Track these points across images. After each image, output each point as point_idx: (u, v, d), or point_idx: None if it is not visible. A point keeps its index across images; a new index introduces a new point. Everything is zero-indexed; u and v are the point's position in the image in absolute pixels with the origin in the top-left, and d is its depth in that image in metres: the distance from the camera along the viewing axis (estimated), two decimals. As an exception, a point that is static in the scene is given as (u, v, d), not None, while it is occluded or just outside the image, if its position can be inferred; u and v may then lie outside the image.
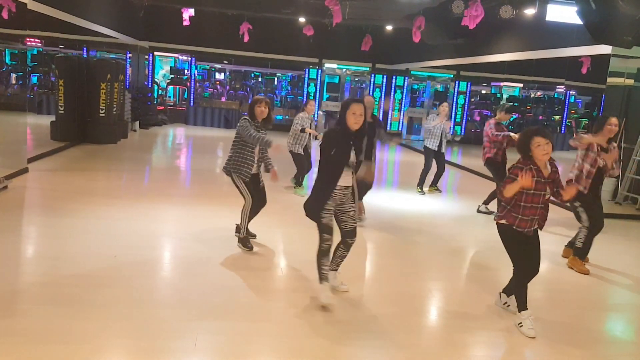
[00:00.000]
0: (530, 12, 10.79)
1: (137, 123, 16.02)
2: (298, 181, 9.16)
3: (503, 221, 4.41)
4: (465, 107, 19.16)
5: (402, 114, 20.35)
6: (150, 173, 10.68)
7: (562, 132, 16.98)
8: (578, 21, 8.34)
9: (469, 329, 4.42)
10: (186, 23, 16.13)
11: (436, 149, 9.63)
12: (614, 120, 5.93)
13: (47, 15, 9.93)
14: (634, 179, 10.06)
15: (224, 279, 4.99)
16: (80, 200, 7.40)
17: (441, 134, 9.58)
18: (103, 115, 12.63)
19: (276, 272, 5.41)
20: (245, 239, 5.82)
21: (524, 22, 11.26)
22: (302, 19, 16.36)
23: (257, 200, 5.81)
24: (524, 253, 4.43)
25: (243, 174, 5.63)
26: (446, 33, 13.35)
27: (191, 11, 16.01)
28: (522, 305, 4.44)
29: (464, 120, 19.24)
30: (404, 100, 20.34)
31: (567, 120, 16.59)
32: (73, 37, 16.00)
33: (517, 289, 4.52)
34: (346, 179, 4.47)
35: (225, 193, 8.70)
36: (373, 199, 8.76)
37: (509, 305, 4.74)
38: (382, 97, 20.25)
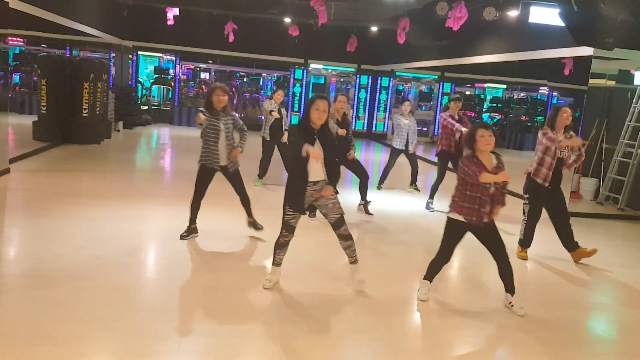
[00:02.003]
0: (513, 14, 10.88)
1: (120, 123, 15.88)
2: (260, 172, 9.49)
3: (452, 216, 4.61)
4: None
5: (387, 114, 20.42)
6: (134, 174, 10.61)
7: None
8: (560, 23, 8.42)
9: (454, 328, 4.45)
10: (170, 22, 16.02)
11: (403, 148, 9.59)
12: (566, 108, 6.11)
13: (30, 14, 9.81)
14: (615, 179, 10.19)
15: (208, 280, 4.97)
16: (63, 201, 7.32)
17: (407, 133, 9.53)
18: (86, 115, 12.51)
19: (262, 272, 5.40)
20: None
21: (507, 24, 11.36)
22: (287, 20, 16.34)
23: (201, 196, 6.01)
24: (453, 242, 4.69)
25: (204, 160, 5.94)
26: (430, 34, 13.42)
27: (175, 10, 15.90)
28: (429, 276, 4.85)
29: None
30: (389, 101, 20.41)
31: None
32: (56, 37, 15.87)
33: (434, 268, 4.81)
34: (314, 174, 4.56)
35: (210, 194, 8.65)
36: (357, 199, 8.80)
37: (513, 305, 4.80)
38: (368, 97, 20.30)
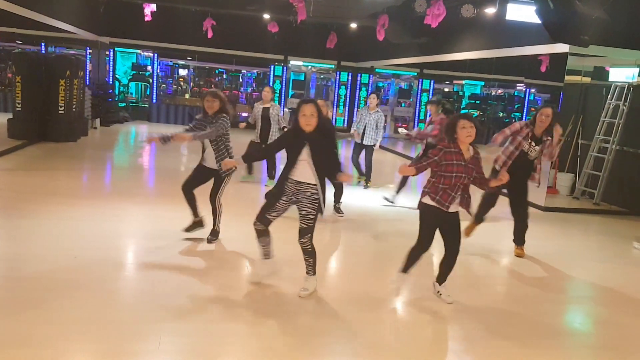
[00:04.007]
0: (490, 11, 10.98)
1: (97, 120, 15.68)
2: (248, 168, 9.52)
3: (424, 201, 4.62)
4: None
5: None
6: (112, 172, 10.49)
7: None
8: (537, 20, 8.52)
9: (431, 323, 4.49)
10: (148, 18, 15.85)
11: (359, 141, 9.53)
12: (545, 110, 6.07)
13: (4, 10, 9.62)
14: (590, 174, 10.36)
15: (187, 280, 4.94)
16: (40, 200, 7.21)
17: (365, 127, 9.45)
18: (62, 112, 12.31)
19: (242, 271, 5.39)
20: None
21: (485, 21, 11.46)
22: (266, 16, 16.28)
23: (189, 187, 5.89)
24: (431, 228, 4.66)
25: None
26: (409, 31, 13.48)
27: (153, 6, 15.74)
28: (405, 268, 4.82)
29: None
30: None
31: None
32: (31, 33, 15.59)
33: (412, 258, 4.78)
34: (301, 175, 4.53)
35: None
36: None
37: (441, 294, 4.85)
38: (348, 94, 20.31)
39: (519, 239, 6.50)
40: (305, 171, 4.53)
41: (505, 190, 6.21)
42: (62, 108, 12.29)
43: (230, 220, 6.25)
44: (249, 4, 14.94)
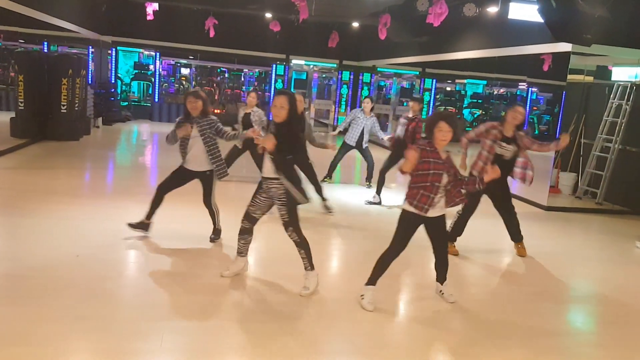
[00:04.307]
0: (493, 10, 10.95)
1: (99, 119, 15.70)
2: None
3: (406, 207, 4.48)
4: (431, 104, 19.37)
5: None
6: (114, 171, 10.50)
7: (524, 127, 17.25)
8: (539, 19, 8.50)
9: (431, 321, 4.48)
10: (150, 17, 15.85)
11: (354, 144, 9.41)
12: (519, 109, 6.06)
13: (6, 9, 9.64)
14: (593, 174, 10.33)
15: (189, 278, 4.94)
16: (42, 199, 7.22)
17: (362, 129, 9.35)
18: (64, 111, 12.33)
19: (245, 270, 5.38)
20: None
21: (487, 20, 11.43)
22: (268, 15, 16.27)
23: (163, 191, 5.92)
24: (407, 235, 4.51)
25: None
26: (411, 30, 13.46)
27: (155, 5, 15.74)
28: (373, 280, 4.56)
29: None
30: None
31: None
32: (33, 32, 15.59)
33: (382, 264, 4.56)
34: (266, 170, 4.55)
35: (190, 191, 8.60)
36: (338, 194, 8.83)
37: (443, 293, 4.82)
38: (350, 93, 20.30)
39: (516, 235, 6.46)
40: (268, 165, 4.53)
41: (486, 195, 6.13)
42: (65, 107, 12.30)
43: (232, 219, 6.24)
44: (251, 3, 14.93)
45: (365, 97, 10.06)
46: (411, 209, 4.44)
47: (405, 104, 21.11)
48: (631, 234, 8.04)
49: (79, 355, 3.57)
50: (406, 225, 4.52)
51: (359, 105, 20.07)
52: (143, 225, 5.92)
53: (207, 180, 5.84)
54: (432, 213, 4.46)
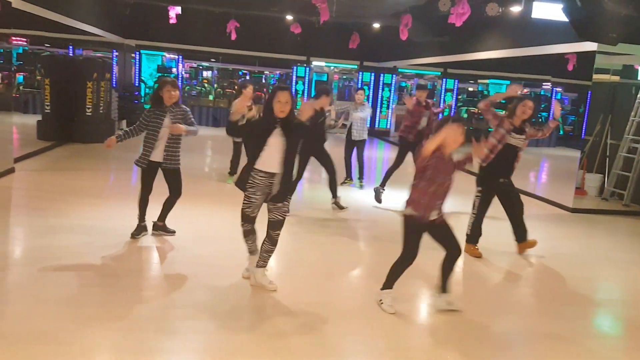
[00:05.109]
0: (516, 9, 10.83)
1: (124, 122, 15.90)
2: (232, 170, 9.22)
3: (407, 212, 4.37)
4: (453, 104, 19.23)
5: (390, 111, 20.38)
6: (137, 172, 10.60)
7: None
8: (564, 18, 8.38)
9: (451, 323, 4.43)
10: (173, 21, 16.02)
11: (358, 139, 9.36)
12: (529, 102, 5.99)
13: (33, 14, 9.82)
14: (620, 175, 10.15)
15: (213, 278, 4.97)
16: (67, 200, 7.34)
17: (351, 123, 9.31)
18: (89, 114, 12.52)
19: (270, 270, 5.40)
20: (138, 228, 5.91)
21: (510, 20, 11.31)
22: (289, 17, 16.31)
23: (147, 192, 5.88)
24: (418, 240, 4.41)
25: (140, 161, 5.81)
26: (433, 31, 13.37)
27: (178, 9, 15.89)
28: (390, 284, 4.49)
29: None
30: (391, 98, 20.38)
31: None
32: (59, 36, 15.86)
33: (398, 270, 4.48)
34: (269, 164, 4.50)
35: (212, 192, 8.68)
36: (357, 196, 8.82)
37: (445, 305, 4.61)
38: (371, 94, 20.24)
39: (524, 234, 6.29)
40: (272, 158, 4.47)
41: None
42: (90, 110, 12.50)
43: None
44: (272, 5, 14.98)
45: (359, 89, 9.97)
46: (415, 213, 4.33)
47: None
48: (659, 236, 7.87)
49: (103, 353, 3.61)
50: (412, 230, 4.40)
51: (380, 106, 20.06)
52: (142, 229, 5.96)
53: (166, 172, 5.85)
54: (432, 216, 4.37)
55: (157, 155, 5.78)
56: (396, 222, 7.16)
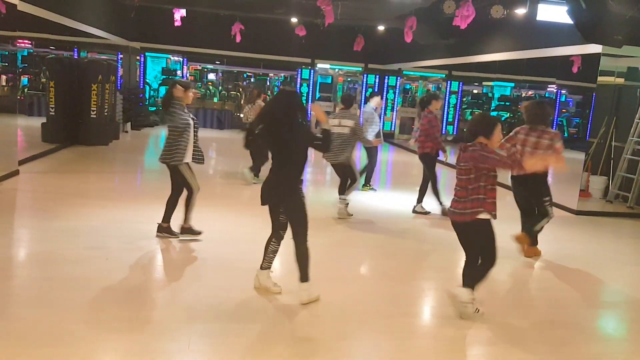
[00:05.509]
0: (521, 11, 10.84)
1: (128, 124, 15.94)
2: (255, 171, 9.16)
3: (482, 216, 4.34)
4: (457, 107, 19.20)
5: (394, 114, 20.38)
6: (142, 175, 10.64)
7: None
8: (568, 21, 8.37)
9: (461, 328, 4.43)
10: (177, 24, 16.07)
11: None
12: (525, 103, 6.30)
13: (37, 17, 9.87)
14: (624, 177, 10.12)
15: (217, 280, 4.98)
16: (72, 202, 7.36)
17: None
18: (94, 116, 12.57)
19: (274, 273, 5.40)
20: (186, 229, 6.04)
21: (515, 22, 11.31)
22: (294, 20, 16.35)
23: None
24: (494, 239, 4.45)
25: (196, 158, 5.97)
26: (438, 33, 13.38)
27: (183, 12, 15.95)
28: (476, 286, 4.50)
29: (456, 120, 19.27)
30: (396, 100, 20.37)
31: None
32: (64, 39, 15.91)
33: (482, 275, 4.49)
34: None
35: (218, 194, 8.68)
36: (362, 198, 8.82)
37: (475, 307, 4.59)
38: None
39: (532, 230, 6.32)
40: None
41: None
42: (94, 112, 12.54)
43: (257, 222, 6.28)
44: (277, 7, 15.02)
45: (375, 95, 10.00)
46: (489, 216, 4.38)
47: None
48: (665, 238, 7.84)
49: (109, 356, 3.62)
50: (492, 231, 4.45)
51: (384, 109, 20.02)
52: (190, 230, 6.08)
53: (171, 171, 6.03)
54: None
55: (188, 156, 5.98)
56: (398, 223, 7.14)
